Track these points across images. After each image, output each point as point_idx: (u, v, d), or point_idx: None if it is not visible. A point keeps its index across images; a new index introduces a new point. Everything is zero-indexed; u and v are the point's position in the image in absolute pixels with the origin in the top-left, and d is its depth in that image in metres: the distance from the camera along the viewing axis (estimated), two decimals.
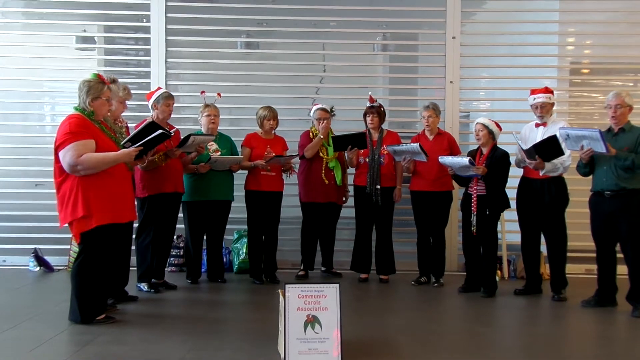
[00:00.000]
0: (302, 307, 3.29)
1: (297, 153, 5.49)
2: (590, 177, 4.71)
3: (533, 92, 5.04)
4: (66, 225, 3.93)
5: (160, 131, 4.06)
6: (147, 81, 6.19)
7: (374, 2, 6.46)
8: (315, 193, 5.47)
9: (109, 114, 4.22)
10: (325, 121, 5.41)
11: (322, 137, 5.38)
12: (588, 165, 4.62)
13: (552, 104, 5.03)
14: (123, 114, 4.73)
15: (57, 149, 3.84)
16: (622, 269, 4.65)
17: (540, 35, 6.40)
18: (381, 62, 6.94)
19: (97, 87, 3.97)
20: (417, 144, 5.09)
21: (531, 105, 5.04)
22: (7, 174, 6.27)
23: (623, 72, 6.58)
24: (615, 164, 4.45)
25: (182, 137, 4.89)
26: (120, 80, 4.72)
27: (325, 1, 6.39)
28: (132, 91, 4.82)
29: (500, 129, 5.07)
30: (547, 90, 5.01)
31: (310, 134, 5.54)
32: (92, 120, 3.94)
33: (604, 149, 4.34)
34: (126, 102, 4.69)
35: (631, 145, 4.46)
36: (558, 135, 4.65)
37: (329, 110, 5.53)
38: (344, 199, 5.70)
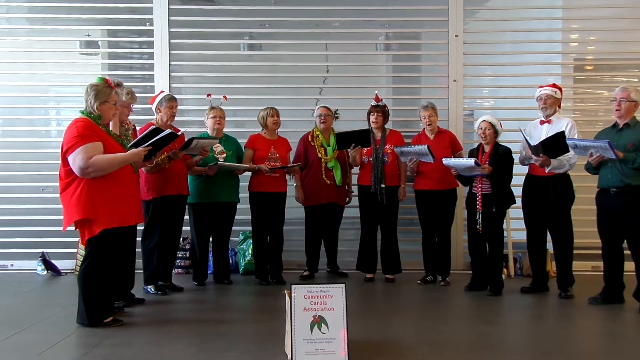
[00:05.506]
0: (308, 307, 3.29)
1: (299, 163, 5.49)
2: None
3: (541, 86, 5.04)
4: (73, 229, 3.95)
5: (168, 131, 4.11)
6: (151, 84, 6.21)
7: (376, 1, 6.46)
8: (316, 195, 5.47)
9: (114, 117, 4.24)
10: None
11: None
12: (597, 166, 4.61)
13: (558, 100, 5.01)
14: (129, 117, 4.74)
15: (65, 153, 3.85)
16: (629, 266, 4.63)
17: (544, 32, 6.38)
18: (384, 62, 6.94)
19: (104, 91, 3.99)
20: (426, 146, 5.09)
21: (536, 98, 5.03)
22: (14, 179, 6.30)
23: (627, 68, 6.55)
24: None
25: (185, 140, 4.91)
26: (124, 83, 4.74)
27: (328, 1, 6.40)
28: (136, 94, 4.83)
29: (502, 129, 5.08)
30: (554, 86, 5.01)
31: (309, 136, 5.55)
32: (98, 124, 3.96)
33: (613, 156, 4.34)
34: (131, 105, 4.71)
35: (636, 141, 4.44)
36: (566, 130, 4.64)
37: (331, 109, 5.55)
38: (347, 199, 5.71)
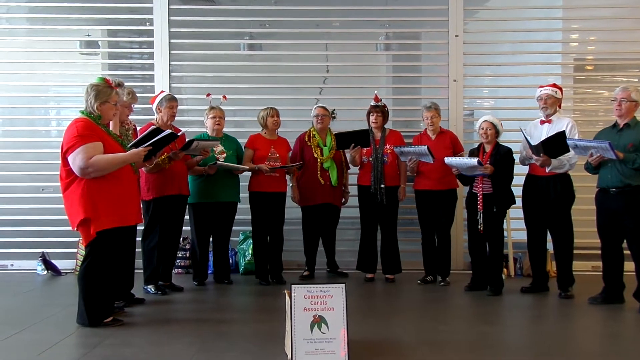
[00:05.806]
0: (308, 307, 3.30)
1: (299, 162, 5.49)
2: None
3: (541, 86, 5.04)
4: (75, 228, 3.96)
5: (169, 131, 4.13)
6: (151, 84, 6.21)
7: (376, 1, 6.47)
8: (312, 195, 5.47)
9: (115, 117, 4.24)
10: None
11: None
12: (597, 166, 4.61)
13: (558, 100, 5.00)
14: (130, 117, 4.74)
15: (65, 153, 3.86)
16: (629, 266, 4.63)
17: (544, 32, 6.38)
18: (384, 62, 6.94)
19: (105, 91, 3.99)
20: (426, 146, 5.10)
21: (537, 98, 5.03)
22: (14, 179, 6.30)
23: (628, 68, 6.55)
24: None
25: (186, 140, 4.92)
26: (124, 83, 4.73)
27: (328, 1, 6.40)
28: (136, 94, 4.83)
29: (502, 129, 5.08)
30: (555, 85, 5.01)
31: (306, 136, 5.55)
32: (98, 124, 3.96)
33: (613, 157, 4.34)
34: (132, 105, 4.71)
35: (636, 142, 4.43)
36: (567, 130, 4.64)
37: (328, 109, 5.56)
38: (343, 200, 5.71)
